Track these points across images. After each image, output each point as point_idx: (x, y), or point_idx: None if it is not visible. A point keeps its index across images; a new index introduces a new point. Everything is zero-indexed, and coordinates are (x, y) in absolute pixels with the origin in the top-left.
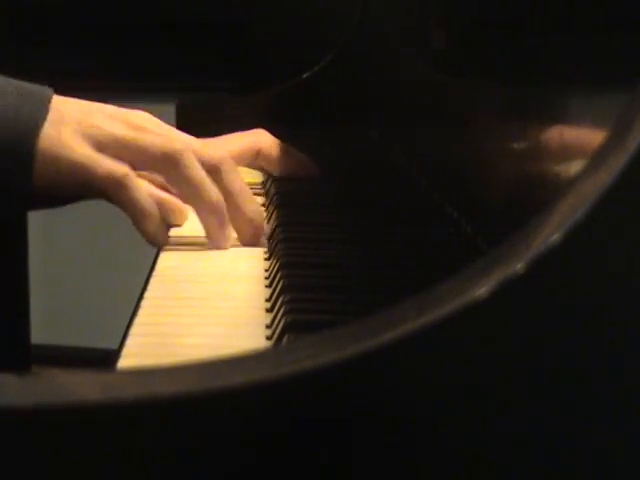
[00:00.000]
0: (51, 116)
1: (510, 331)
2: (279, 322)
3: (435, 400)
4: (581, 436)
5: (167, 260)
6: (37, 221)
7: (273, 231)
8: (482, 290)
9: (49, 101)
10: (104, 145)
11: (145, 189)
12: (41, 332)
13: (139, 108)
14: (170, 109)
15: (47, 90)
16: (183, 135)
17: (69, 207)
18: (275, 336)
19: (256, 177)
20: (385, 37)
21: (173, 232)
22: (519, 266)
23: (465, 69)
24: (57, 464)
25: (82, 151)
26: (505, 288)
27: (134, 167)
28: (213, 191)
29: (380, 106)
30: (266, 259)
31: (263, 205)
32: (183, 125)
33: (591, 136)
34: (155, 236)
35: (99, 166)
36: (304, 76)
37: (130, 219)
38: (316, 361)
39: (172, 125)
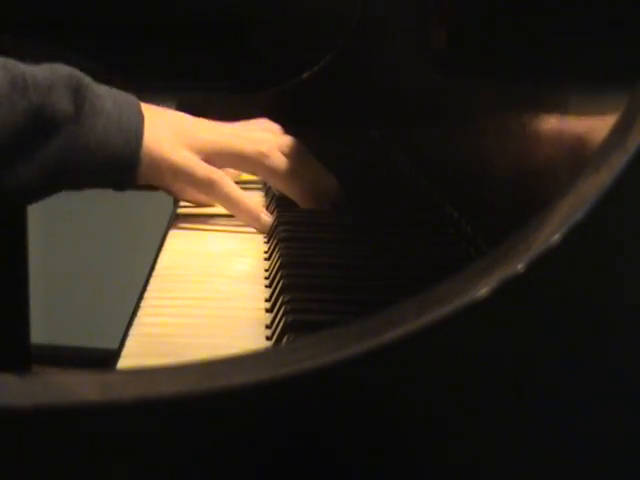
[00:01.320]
0: (147, 121)
1: (510, 331)
2: (279, 322)
3: (435, 400)
4: (581, 435)
5: (168, 260)
6: (37, 221)
7: (273, 231)
8: (482, 290)
9: (140, 106)
10: (197, 148)
11: (234, 187)
12: (41, 332)
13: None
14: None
15: (133, 96)
16: (263, 135)
17: (69, 207)
18: (275, 336)
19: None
20: (385, 37)
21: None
22: (519, 266)
23: (465, 69)
24: (57, 464)
25: (181, 154)
26: (505, 288)
27: (224, 167)
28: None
29: (380, 106)
30: (266, 259)
31: (264, 205)
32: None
33: (591, 136)
34: (256, 222)
35: (198, 169)
36: (304, 76)
37: (232, 213)
38: (316, 361)
39: None
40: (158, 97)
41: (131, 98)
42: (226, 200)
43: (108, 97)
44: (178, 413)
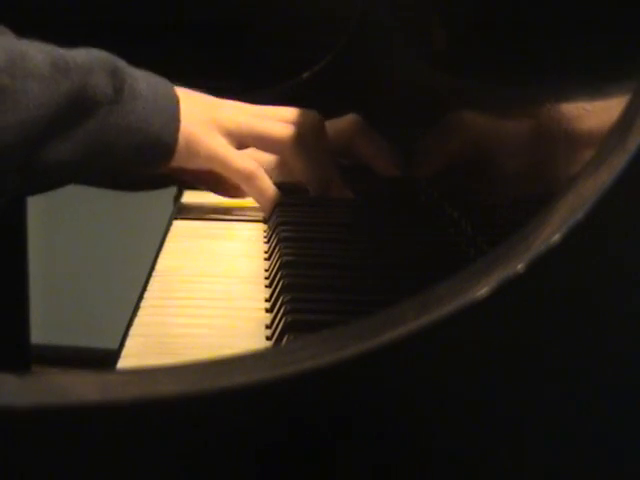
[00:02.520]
0: (181, 103)
1: (510, 331)
2: (279, 322)
3: (435, 400)
4: (581, 435)
5: (168, 260)
6: (37, 221)
7: (273, 231)
8: (482, 290)
9: (173, 88)
10: (231, 132)
11: (269, 180)
12: (41, 332)
13: None
14: None
15: (165, 79)
16: (296, 116)
17: (69, 207)
18: (275, 336)
19: None
20: (385, 37)
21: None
22: (519, 266)
23: (465, 69)
24: (57, 464)
25: (217, 142)
26: (505, 288)
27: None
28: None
29: (380, 106)
30: (266, 259)
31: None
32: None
33: (591, 136)
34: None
35: (234, 159)
36: (304, 76)
37: (259, 205)
38: (316, 361)
39: None
40: None
41: (164, 80)
42: (260, 194)
43: (143, 79)
44: (178, 413)
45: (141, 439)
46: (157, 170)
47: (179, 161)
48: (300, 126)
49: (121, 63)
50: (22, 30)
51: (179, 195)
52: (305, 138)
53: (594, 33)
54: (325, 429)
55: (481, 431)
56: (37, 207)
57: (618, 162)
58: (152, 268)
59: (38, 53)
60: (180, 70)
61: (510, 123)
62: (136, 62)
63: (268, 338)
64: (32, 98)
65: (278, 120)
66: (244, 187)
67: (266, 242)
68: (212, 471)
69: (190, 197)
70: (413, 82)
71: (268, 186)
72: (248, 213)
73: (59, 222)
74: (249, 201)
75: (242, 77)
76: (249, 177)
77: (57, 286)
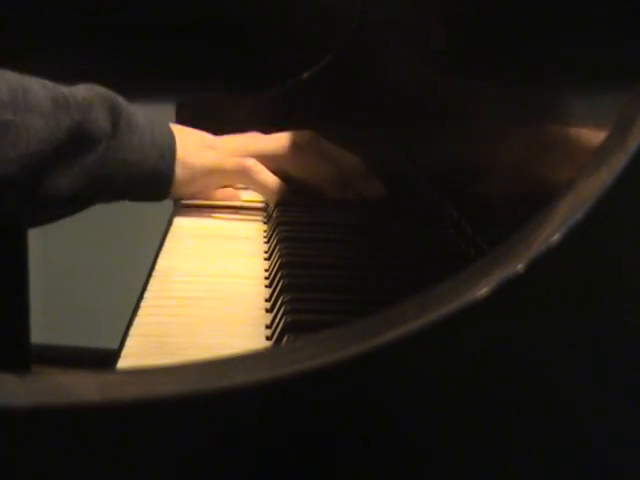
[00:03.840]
0: (178, 139)
1: (510, 331)
2: (279, 322)
3: (435, 400)
4: (581, 435)
5: (168, 260)
6: None
7: (273, 231)
8: (482, 290)
9: (168, 123)
10: (224, 150)
11: (267, 171)
12: (41, 332)
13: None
14: (170, 109)
15: (160, 117)
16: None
17: None
18: (275, 336)
19: None
20: (385, 37)
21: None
22: (519, 266)
23: (465, 69)
24: (57, 464)
25: (209, 155)
26: (505, 288)
27: None
28: None
29: (380, 106)
30: (266, 259)
31: (265, 205)
32: (183, 125)
33: (591, 136)
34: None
35: (228, 161)
36: (304, 76)
37: (268, 199)
38: (316, 361)
39: None
40: (158, 97)
41: (158, 115)
42: (262, 186)
43: (140, 114)
44: (177, 413)
45: (141, 439)
46: (161, 199)
47: (179, 190)
48: (291, 141)
49: (119, 99)
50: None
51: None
52: (300, 151)
53: (594, 33)
54: (325, 429)
55: (481, 431)
56: None
57: (618, 162)
58: (152, 268)
59: (40, 89)
60: (180, 70)
61: (510, 123)
62: (136, 62)
63: (268, 338)
64: (33, 133)
65: (270, 138)
66: (246, 183)
67: (266, 242)
68: (212, 471)
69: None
70: (413, 82)
71: (267, 176)
72: (248, 212)
73: (59, 222)
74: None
75: (242, 77)
76: (245, 172)
77: (57, 286)
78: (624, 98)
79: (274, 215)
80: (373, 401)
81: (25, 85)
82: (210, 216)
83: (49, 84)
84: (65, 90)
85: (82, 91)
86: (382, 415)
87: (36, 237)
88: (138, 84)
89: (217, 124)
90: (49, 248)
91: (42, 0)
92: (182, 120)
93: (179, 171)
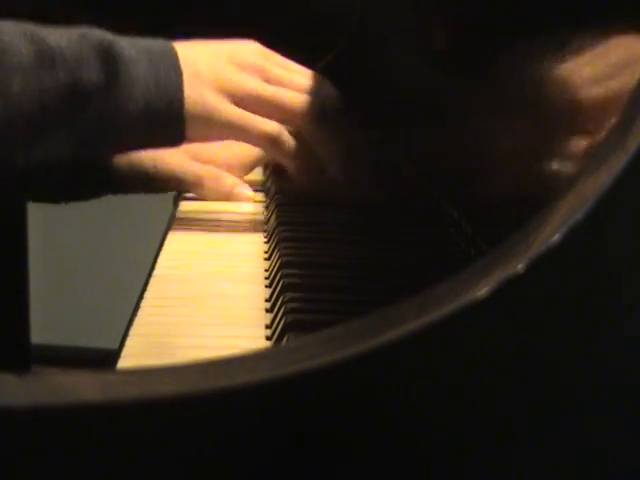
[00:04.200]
0: (187, 76)
1: (510, 331)
2: (279, 322)
3: (435, 400)
4: (581, 435)
5: (168, 260)
6: (37, 221)
7: (273, 231)
8: (482, 290)
9: (177, 58)
10: (244, 101)
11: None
12: (41, 332)
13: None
14: None
15: (169, 45)
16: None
17: (69, 207)
18: (275, 336)
19: (257, 175)
20: (385, 37)
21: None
22: (519, 266)
23: (465, 69)
24: (57, 464)
25: (229, 111)
26: (505, 288)
27: (269, 118)
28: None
29: (380, 106)
30: (266, 259)
31: (264, 205)
32: None
33: (592, 136)
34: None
35: (253, 126)
36: None
37: (287, 169)
38: (316, 361)
39: None
40: None
41: (167, 51)
42: (290, 155)
43: (143, 59)
44: (178, 413)
45: (141, 439)
46: (178, 144)
47: (195, 135)
48: (316, 97)
49: (118, 45)
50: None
51: (179, 196)
52: (322, 112)
53: (594, 33)
54: (325, 429)
55: (481, 430)
56: (37, 207)
57: (618, 162)
58: (152, 268)
59: (23, 44)
60: None
61: (510, 122)
62: None
63: (268, 338)
64: (13, 93)
65: (296, 89)
66: (267, 151)
67: (266, 242)
68: (212, 471)
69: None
70: (413, 82)
71: (293, 151)
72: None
73: (59, 222)
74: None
75: None
76: (275, 141)
77: (57, 286)
78: (624, 98)
79: (274, 215)
80: (373, 401)
81: (5, 40)
82: (209, 223)
83: (38, 35)
84: (54, 43)
85: (73, 42)
86: (382, 415)
87: (36, 237)
88: None
89: None
90: (49, 248)
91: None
92: None
93: (193, 117)
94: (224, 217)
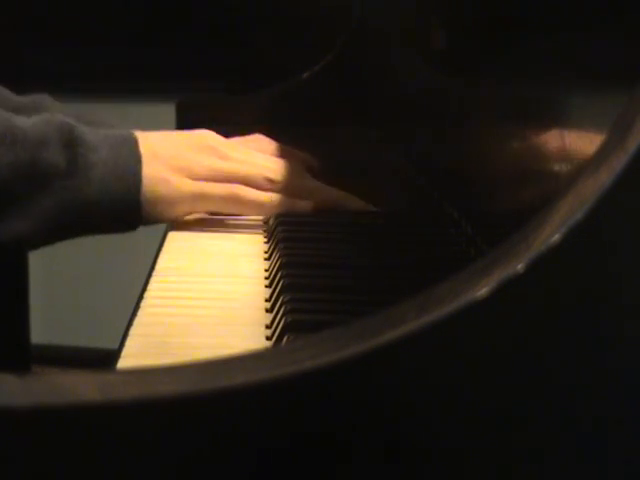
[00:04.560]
0: (146, 157)
1: (510, 331)
2: (279, 322)
3: (435, 400)
4: (581, 435)
5: (168, 260)
6: None
7: (273, 231)
8: (482, 290)
9: (137, 143)
10: (200, 176)
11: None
12: (41, 332)
13: (139, 108)
14: (170, 109)
15: (129, 133)
16: (265, 160)
17: None
18: (275, 336)
19: None
20: (385, 37)
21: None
22: (519, 266)
23: (465, 69)
24: (57, 464)
25: (189, 183)
26: (505, 288)
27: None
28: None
29: (380, 106)
30: (266, 259)
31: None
32: (183, 125)
33: (591, 136)
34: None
35: (215, 188)
36: (304, 76)
37: (266, 215)
38: (316, 361)
39: (172, 126)
40: (158, 97)
41: (127, 138)
42: (256, 207)
43: (103, 145)
44: (178, 413)
45: (141, 439)
46: (135, 229)
47: (157, 217)
48: (276, 169)
49: (78, 130)
50: (22, 30)
51: None
52: (282, 180)
53: (594, 33)
54: (325, 429)
55: (481, 431)
56: None
57: (618, 162)
58: (152, 268)
59: None
60: (180, 70)
61: (510, 123)
62: (136, 62)
63: (268, 338)
64: None
65: (253, 164)
66: (236, 209)
67: (266, 242)
68: (212, 471)
69: None
70: (413, 82)
71: (258, 195)
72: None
73: None
74: None
75: (242, 77)
76: (235, 198)
77: (57, 286)
78: (624, 98)
79: (274, 216)
80: (373, 401)
81: None
82: (209, 223)
83: (3, 114)
84: (17, 124)
85: (38, 126)
86: (382, 415)
87: None
88: (138, 84)
89: (217, 124)
90: (49, 248)
91: (42, 0)
92: (182, 120)
93: (152, 199)
94: (224, 217)
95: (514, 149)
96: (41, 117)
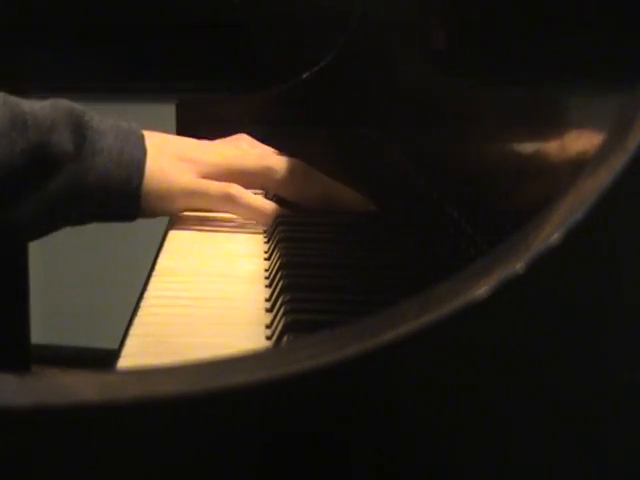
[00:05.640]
0: (150, 152)
1: (510, 331)
2: (279, 322)
3: (435, 400)
4: (581, 435)
5: (167, 260)
6: None
7: (273, 231)
8: (482, 290)
9: (143, 138)
10: (204, 173)
11: (251, 195)
12: (41, 332)
13: (139, 108)
14: (170, 109)
15: (137, 128)
16: (262, 150)
17: None
18: (275, 336)
19: None
20: (385, 37)
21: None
22: (519, 266)
23: (465, 69)
24: (57, 464)
25: (189, 178)
26: (505, 288)
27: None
28: None
29: (380, 106)
30: (266, 259)
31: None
32: (183, 125)
33: (591, 136)
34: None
35: (211, 186)
36: (304, 76)
37: (257, 221)
38: (316, 361)
39: (172, 125)
40: (158, 97)
41: (134, 131)
42: (248, 210)
43: (110, 133)
44: (178, 413)
45: (141, 439)
46: (134, 220)
47: (157, 209)
48: (274, 157)
49: (87, 116)
50: (22, 30)
51: None
52: (282, 167)
53: (594, 33)
54: (325, 429)
55: (481, 431)
56: None
57: (618, 162)
58: (152, 268)
59: None
60: (180, 70)
61: (510, 123)
62: (136, 62)
63: (268, 338)
64: None
65: (252, 155)
66: (228, 209)
67: (266, 242)
68: (212, 471)
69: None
70: (413, 82)
71: (254, 200)
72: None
73: None
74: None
75: (242, 77)
76: (229, 198)
77: (57, 286)
78: (624, 98)
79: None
80: (373, 401)
81: None
82: (209, 223)
83: (11, 100)
84: (27, 109)
85: (46, 109)
86: (382, 415)
87: None
88: (138, 84)
89: (217, 124)
90: (49, 248)
91: (42, 0)
92: (182, 120)
93: (153, 191)
94: (224, 217)
95: (514, 149)
96: (50, 102)
